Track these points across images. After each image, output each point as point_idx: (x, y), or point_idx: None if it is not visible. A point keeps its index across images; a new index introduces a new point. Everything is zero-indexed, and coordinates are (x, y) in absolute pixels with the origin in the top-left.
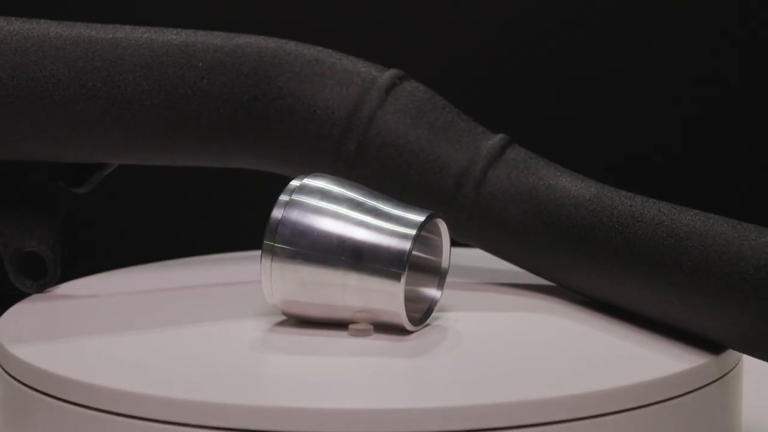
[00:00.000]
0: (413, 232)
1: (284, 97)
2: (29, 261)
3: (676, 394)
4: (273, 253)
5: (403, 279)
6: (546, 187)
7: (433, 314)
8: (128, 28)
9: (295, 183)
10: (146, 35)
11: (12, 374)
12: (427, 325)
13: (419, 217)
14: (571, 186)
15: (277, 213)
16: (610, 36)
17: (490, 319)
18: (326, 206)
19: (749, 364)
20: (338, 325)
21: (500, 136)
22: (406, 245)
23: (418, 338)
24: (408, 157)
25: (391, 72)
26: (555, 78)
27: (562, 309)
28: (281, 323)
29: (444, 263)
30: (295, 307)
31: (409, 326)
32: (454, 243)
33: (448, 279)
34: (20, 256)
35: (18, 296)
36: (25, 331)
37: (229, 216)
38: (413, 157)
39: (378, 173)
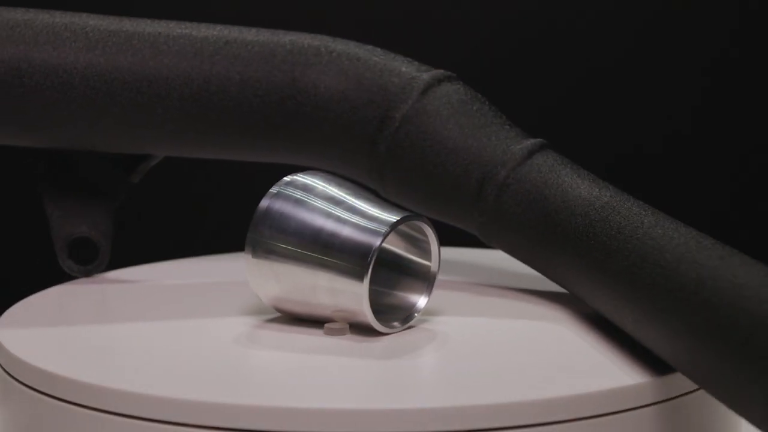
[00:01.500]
0: (383, 230)
1: (320, 95)
2: (80, 246)
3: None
4: (252, 248)
5: (367, 279)
6: (562, 193)
7: (424, 316)
8: (166, 22)
9: (286, 178)
10: (184, 30)
11: (12, 374)
12: (410, 327)
13: (394, 218)
14: (586, 194)
15: (260, 207)
16: (610, 35)
17: (476, 323)
18: (305, 203)
19: None
20: (322, 322)
21: (532, 140)
22: (373, 243)
23: (392, 339)
24: (434, 159)
25: (433, 73)
26: (555, 78)
27: (562, 317)
28: (271, 320)
29: (433, 267)
30: (277, 303)
31: (379, 327)
32: (479, 244)
33: (453, 280)
34: (71, 240)
35: (18, 296)
36: (25, 331)
37: (229, 216)
38: (439, 159)
39: (406, 174)
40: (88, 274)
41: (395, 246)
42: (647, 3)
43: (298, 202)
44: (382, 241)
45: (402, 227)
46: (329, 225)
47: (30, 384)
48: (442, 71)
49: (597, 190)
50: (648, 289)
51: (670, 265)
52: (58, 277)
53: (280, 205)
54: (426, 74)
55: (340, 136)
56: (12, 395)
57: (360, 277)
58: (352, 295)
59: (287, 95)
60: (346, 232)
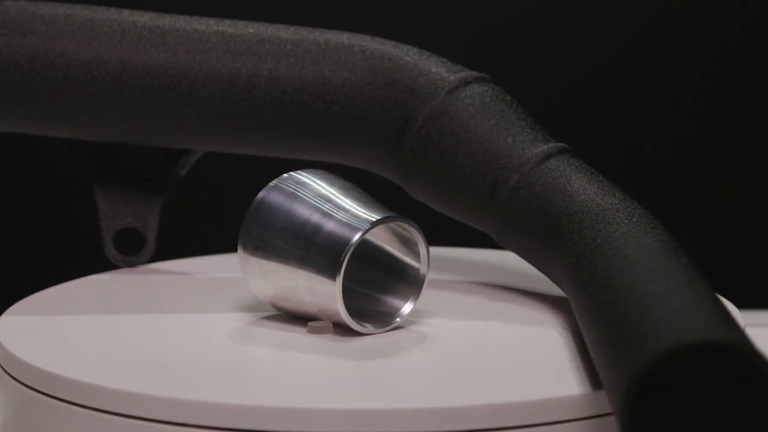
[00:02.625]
0: (362, 228)
1: (349, 94)
2: (127, 237)
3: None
4: (242, 244)
5: (339, 279)
6: (567, 198)
7: (414, 317)
8: (204, 20)
9: (284, 175)
10: (219, 27)
11: (12, 374)
12: (397, 328)
13: (375, 217)
14: (589, 200)
15: (252, 203)
16: (610, 34)
17: (464, 325)
18: (294, 200)
19: None
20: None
21: (551, 145)
22: (350, 241)
23: (373, 339)
24: (452, 161)
25: (462, 74)
26: (556, 77)
27: (558, 322)
28: (267, 317)
29: (422, 270)
30: (268, 299)
31: (355, 326)
32: (494, 245)
33: (454, 281)
34: (118, 230)
35: (18, 296)
36: (25, 331)
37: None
38: (457, 161)
39: (428, 175)
40: (131, 264)
41: (392, 248)
42: (648, 2)
43: (287, 199)
44: (358, 240)
45: (398, 229)
46: (311, 223)
47: (30, 384)
48: (472, 73)
49: (601, 196)
50: (587, 302)
51: (613, 282)
52: (58, 277)
53: (270, 202)
54: (454, 75)
55: (368, 135)
56: (12, 395)
57: (334, 275)
58: (328, 294)
59: (317, 94)
60: (326, 230)
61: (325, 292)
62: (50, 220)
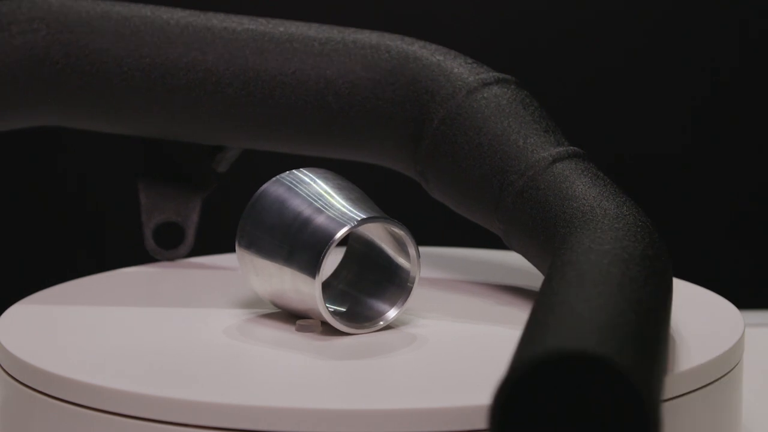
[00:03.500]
0: (342, 228)
1: (373, 94)
2: (167, 231)
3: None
4: (238, 239)
5: (318, 279)
6: (567, 203)
7: (406, 317)
8: (237, 18)
9: (285, 173)
10: (250, 26)
11: (12, 374)
12: (387, 328)
13: (360, 217)
14: (587, 206)
15: (250, 200)
16: (620, 37)
17: (456, 326)
18: (288, 198)
19: (749, 364)
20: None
21: (562, 149)
22: (327, 243)
23: (357, 339)
24: (463, 163)
25: (483, 76)
26: (558, 77)
27: None
28: (265, 315)
29: (412, 273)
30: (265, 296)
31: (340, 327)
32: (504, 247)
33: (450, 280)
34: (158, 224)
35: (18, 296)
36: (25, 331)
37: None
38: (467, 164)
39: (442, 176)
40: (170, 258)
41: (390, 250)
42: (653, 5)
43: (281, 197)
44: (339, 239)
45: (394, 231)
46: (298, 222)
47: (30, 384)
48: (494, 74)
49: (598, 201)
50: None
51: (552, 287)
52: (58, 277)
53: (265, 198)
54: (475, 77)
55: (389, 136)
56: (12, 395)
57: (314, 274)
58: (310, 294)
59: (340, 94)
60: (310, 228)
61: (307, 292)
62: (50, 220)
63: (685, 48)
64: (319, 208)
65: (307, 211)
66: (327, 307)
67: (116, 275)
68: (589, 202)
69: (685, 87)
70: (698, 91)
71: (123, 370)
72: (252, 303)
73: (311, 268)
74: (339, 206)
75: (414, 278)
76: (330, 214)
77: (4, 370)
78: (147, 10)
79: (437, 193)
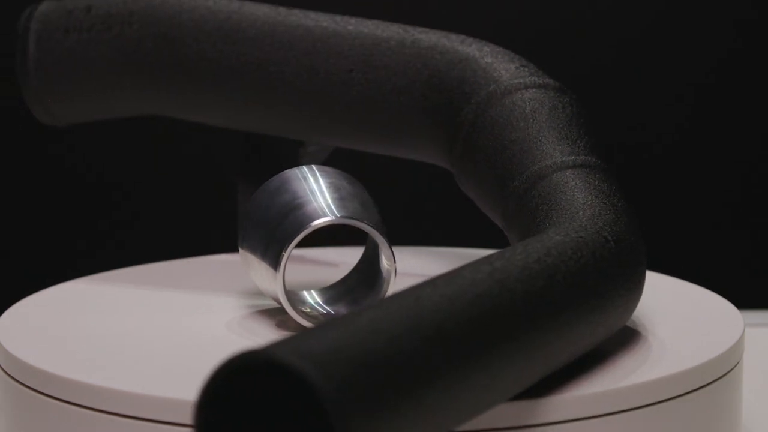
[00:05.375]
0: (313, 225)
1: (421, 94)
2: None
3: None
4: (239, 237)
5: (279, 274)
6: (564, 209)
7: None
8: (312, 14)
9: (287, 170)
10: (324, 23)
11: (12, 374)
12: None
13: (329, 217)
14: (576, 219)
15: (254, 194)
16: (615, 32)
17: None
18: (281, 195)
19: (749, 364)
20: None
21: (574, 157)
22: (292, 240)
23: None
24: (483, 167)
25: (520, 80)
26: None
27: None
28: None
29: (384, 276)
30: (261, 290)
31: (305, 323)
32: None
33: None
34: None
35: (18, 296)
36: (25, 331)
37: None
38: (485, 167)
39: (468, 178)
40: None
41: (383, 254)
42: (650, 4)
43: (276, 192)
44: (298, 238)
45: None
46: (277, 218)
47: (30, 384)
48: (537, 78)
49: (586, 212)
50: None
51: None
52: (58, 277)
53: (262, 194)
54: (513, 80)
55: (433, 137)
56: (12, 395)
57: (275, 268)
58: (273, 291)
59: (391, 95)
60: (282, 226)
61: (272, 289)
62: (50, 220)
63: (679, 43)
64: (297, 206)
65: (286, 208)
66: (322, 308)
67: (116, 275)
68: (580, 215)
69: (684, 84)
70: (699, 90)
71: (123, 370)
72: (254, 296)
73: (274, 265)
74: (316, 205)
75: (388, 280)
76: (305, 211)
77: (4, 370)
78: (233, 5)
79: (469, 194)
